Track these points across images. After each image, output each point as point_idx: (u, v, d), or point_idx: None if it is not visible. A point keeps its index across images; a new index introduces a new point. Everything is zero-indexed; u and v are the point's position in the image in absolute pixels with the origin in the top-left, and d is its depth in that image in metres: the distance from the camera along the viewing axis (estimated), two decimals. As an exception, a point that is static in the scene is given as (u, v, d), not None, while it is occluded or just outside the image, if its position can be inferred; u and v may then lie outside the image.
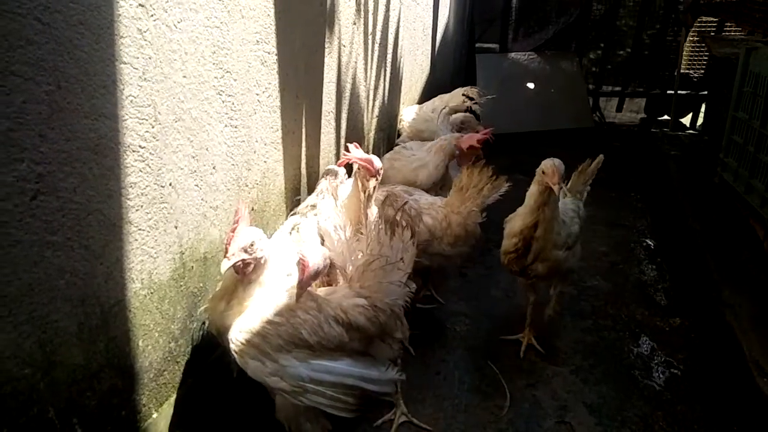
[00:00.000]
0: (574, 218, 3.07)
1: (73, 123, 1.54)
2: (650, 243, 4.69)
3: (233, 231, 1.97)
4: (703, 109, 7.74)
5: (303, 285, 1.97)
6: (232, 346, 2.00)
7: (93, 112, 1.61)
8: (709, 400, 2.85)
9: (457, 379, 2.92)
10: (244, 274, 2.00)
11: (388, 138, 4.87)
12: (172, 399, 2.13)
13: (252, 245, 1.96)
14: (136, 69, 1.75)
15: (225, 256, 1.93)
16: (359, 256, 2.13)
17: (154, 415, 2.03)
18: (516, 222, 2.88)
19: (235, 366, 2.05)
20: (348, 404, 2.01)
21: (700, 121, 7.91)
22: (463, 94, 4.76)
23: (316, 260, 2.01)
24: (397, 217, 2.25)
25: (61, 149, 1.51)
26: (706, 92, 7.51)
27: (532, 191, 2.80)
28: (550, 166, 2.67)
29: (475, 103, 4.75)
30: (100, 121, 1.63)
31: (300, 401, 1.95)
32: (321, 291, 2.17)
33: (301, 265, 1.97)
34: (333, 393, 1.97)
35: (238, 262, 1.94)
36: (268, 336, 1.94)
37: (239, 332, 1.96)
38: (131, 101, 1.74)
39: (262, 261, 2.01)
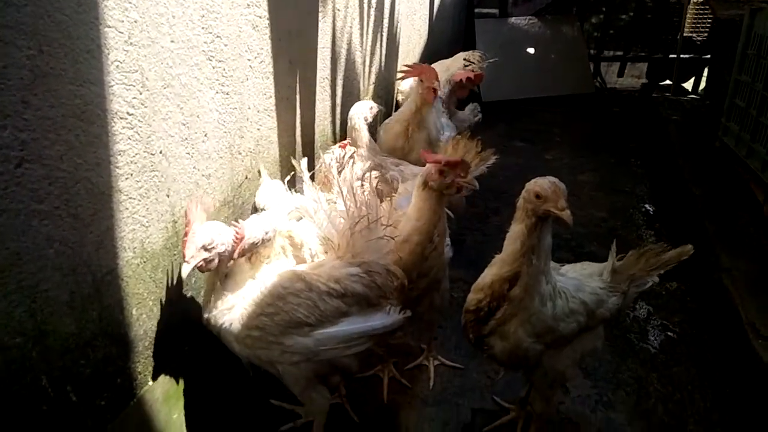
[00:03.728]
0: (578, 313, 2.05)
1: (57, 89, 1.51)
2: (649, 208, 4.67)
3: (186, 234, 1.89)
4: (705, 73, 7.63)
5: (236, 254, 1.96)
6: (236, 347, 2.01)
7: (78, 77, 1.57)
8: (704, 362, 2.87)
9: (454, 344, 2.94)
10: (209, 270, 1.96)
11: (385, 105, 4.80)
12: (169, 366, 2.14)
13: (211, 242, 1.89)
14: (122, 33, 1.70)
15: (184, 260, 1.87)
16: (341, 222, 2.10)
17: (150, 383, 2.04)
18: (489, 271, 2.06)
19: (248, 363, 2.07)
20: (363, 343, 2.06)
21: (702, 85, 7.81)
22: (465, 59, 4.68)
23: (253, 232, 1.99)
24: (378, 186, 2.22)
25: (45, 116, 1.48)
26: (709, 56, 7.39)
27: (516, 232, 1.94)
28: (548, 186, 1.84)
29: (478, 67, 4.66)
30: (85, 87, 1.60)
31: (317, 360, 2.01)
32: (307, 267, 2.13)
33: (237, 235, 1.95)
34: (345, 344, 2.02)
35: (199, 262, 1.89)
36: (267, 327, 1.95)
37: (237, 331, 1.97)
38: (117, 66, 1.70)
39: (226, 254, 1.95)
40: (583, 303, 2.07)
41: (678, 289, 3.49)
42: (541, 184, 1.85)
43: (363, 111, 3.11)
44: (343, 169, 2.78)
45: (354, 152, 3.02)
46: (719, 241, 3.45)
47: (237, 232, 1.96)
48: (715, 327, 3.08)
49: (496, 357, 2.12)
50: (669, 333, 3.11)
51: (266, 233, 2.05)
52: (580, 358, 2.18)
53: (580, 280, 2.17)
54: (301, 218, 2.35)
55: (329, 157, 2.99)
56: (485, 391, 2.65)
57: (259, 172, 2.72)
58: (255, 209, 2.68)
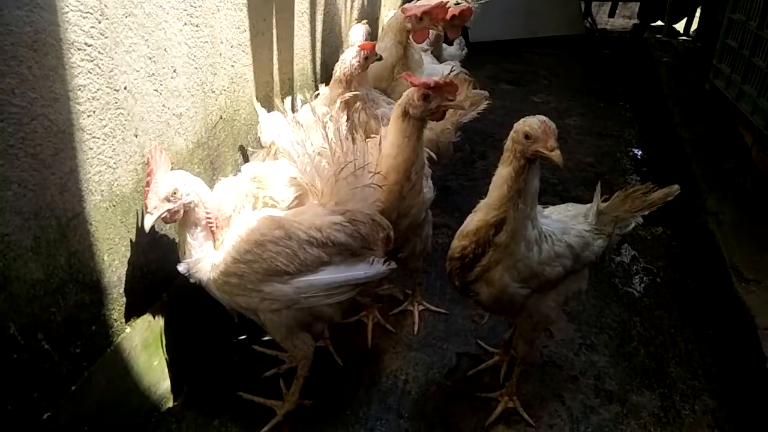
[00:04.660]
0: (564, 257, 2.01)
1: (2, 14, 1.37)
2: (637, 153, 4.62)
3: (149, 184, 1.78)
4: (698, 14, 7.44)
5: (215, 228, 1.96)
6: (216, 294, 1.97)
7: (26, 1, 1.42)
8: (687, 305, 2.89)
9: (439, 289, 2.92)
10: (175, 221, 1.88)
11: (368, 44, 4.60)
12: (146, 314, 2.08)
13: (175, 193, 1.79)
14: (74, -47, 1.54)
15: (146, 211, 1.78)
16: (325, 167, 1.99)
17: (128, 330, 1.98)
18: (474, 217, 2.00)
19: (231, 310, 2.03)
20: (344, 292, 2.02)
21: (694, 27, 7.63)
22: None
23: (225, 209, 2.00)
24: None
25: (-10, 44, 1.35)
26: (702, -5, 7.17)
27: (503, 175, 1.86)
28: (538, 125, 1.74)
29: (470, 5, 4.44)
30: (35, 13, 1.45)
31: (298, 308, 1.96)
32: (288, 213, 2.05)
33: (209, 216, 1.92)
34: (326, 293, 1.98)
35: (163, 213, 1.80)
36: (245, 275, 1.89)
37: (215, 277, 1.91)
38: (71, -9, 1.55)
39: (192, 205, 1.85)
40: (569, 246, 2.03)
41: (663, 233, 3.48)
42: (531, 123, 1.76)
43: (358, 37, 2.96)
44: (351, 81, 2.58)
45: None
46: (706, 185, 3.42)
47: (208, 214, 1.90)
48: (698, 271, 3.09)
49: (482, 303, 2.09)
50: (653, 277, 3.11)
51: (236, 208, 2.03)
52: (565, 300, 2.16)
53: (565, 222, 2.13)
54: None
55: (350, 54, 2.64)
56: (470, 335, 2.65)
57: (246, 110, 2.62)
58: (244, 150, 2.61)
